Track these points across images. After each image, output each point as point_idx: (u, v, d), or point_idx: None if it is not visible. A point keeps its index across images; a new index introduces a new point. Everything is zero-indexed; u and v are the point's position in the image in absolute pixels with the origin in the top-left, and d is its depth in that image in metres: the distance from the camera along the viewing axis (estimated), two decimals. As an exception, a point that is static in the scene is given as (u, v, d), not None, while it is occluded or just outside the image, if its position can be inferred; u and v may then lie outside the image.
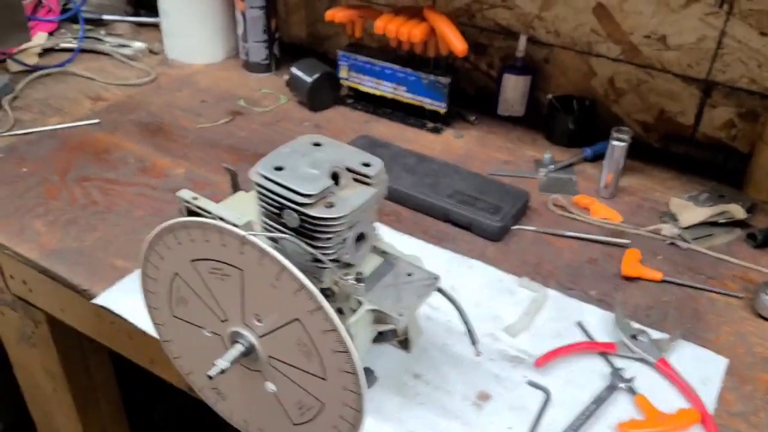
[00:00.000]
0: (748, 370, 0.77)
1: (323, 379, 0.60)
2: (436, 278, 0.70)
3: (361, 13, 1.22)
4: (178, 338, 0.71)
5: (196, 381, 0.74)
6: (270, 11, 1.33)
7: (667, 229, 0.98)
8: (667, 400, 0.72)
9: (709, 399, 0.72)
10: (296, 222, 0.63)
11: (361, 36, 1.25)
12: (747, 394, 0.74)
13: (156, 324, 0.72)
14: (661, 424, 0.68)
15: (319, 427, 0.64)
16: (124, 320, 0.79)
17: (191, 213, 0.70)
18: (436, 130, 1.23)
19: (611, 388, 0.72)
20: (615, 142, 1.04)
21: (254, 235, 0.56)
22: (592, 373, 0.75)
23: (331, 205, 0.63)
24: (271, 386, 0.65)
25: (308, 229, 0.63)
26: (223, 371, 0.62)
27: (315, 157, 0.66)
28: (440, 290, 0.69)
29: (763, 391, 0.75)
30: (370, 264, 0.70)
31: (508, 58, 1.29)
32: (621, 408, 0.71)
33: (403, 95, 1.24)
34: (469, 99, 1.34)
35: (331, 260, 0.64)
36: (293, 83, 1.26)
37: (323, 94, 1.26)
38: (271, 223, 0.66)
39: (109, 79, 1.33)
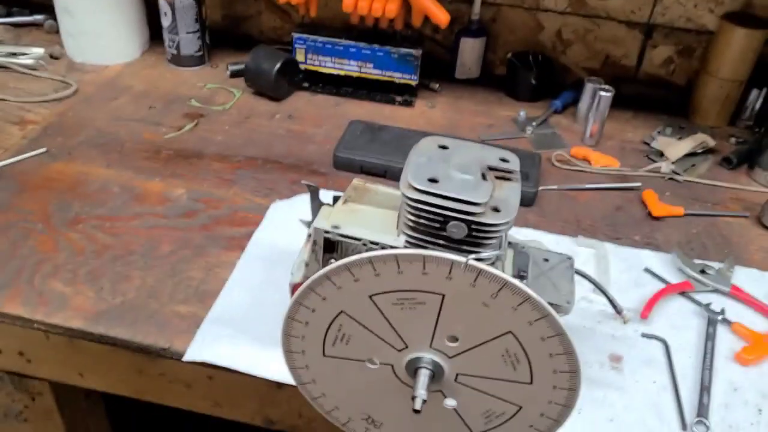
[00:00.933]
0: (788, 279, 0.89)
1: (528, 384, 0.60)
2: (570, 258, 0.71)
3: (317, -10, 1.15)
4: (323, 377, 0.66)
5: (340, 416, 0.69)
6: (201, -3, 1.20)
7: (665, 166, 1.08)
8: (755, 321, 0.81)
9: (783, 312, 0.83)
10: (464, 232, 0.60)
11: (315, 15, 1.18)
12: (801, 300, 0.86)
13: (294, 368, 0.66)
14: (766, 343, 0.77)
15: (507, 431, 0.64)
16: (232, 371, 0.71)
17: (329, 244, 0.63)
18: (406, 103, 1.21)
19: (712, 323, 0.80)
20: (602, 93, 1.10)
21: (476, 260, 0.53)
22: (686, 313, 0.82)
23: (497, 209, 0.61)
24: (450, 402, 0.63)
25: (476, 237, 0.61)
26: (425, 401, 0.59)
27: (456, 162, 0.63)
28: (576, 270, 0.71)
29: (810, 295, 0.87)
30: (508, 258, 0.69)
31: (456, 23, 1.29)
32: (726, 338, 0.79)
33: (371, 72, 1.19)
34: (422, 67, 1.33)
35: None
36: (251, 74, 1.16)
37: (285, 82, 1.18)
38: (424, 237, 0.62)
39: (21, 97, 1.13)
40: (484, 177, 0.63)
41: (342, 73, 1.21)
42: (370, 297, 0.58)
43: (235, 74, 1.23)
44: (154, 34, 1.31)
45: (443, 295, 0.56)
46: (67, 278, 0.80)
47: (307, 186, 0.74)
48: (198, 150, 1.04)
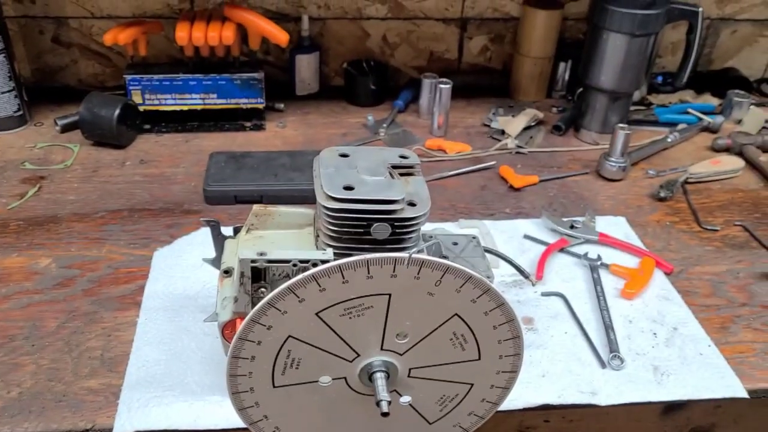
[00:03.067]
0: (635, 216, 1.02)
1: (477, 360, 0.63)
2: (475, 237, 0.76)
3: (144, 28, 1.09)
4: (275, 410, 0.64)
5: (297, 444, 0.67)
6: (11, 52, 1.09)
7: (510, 143, 1.17)
8: (624, 259, 0.92)
9: (642, 245, 0.95)
10: (388, 232, 0.62)
11: (146, 53, 1.12)
12: (652, 233, 0.99)
13: (243, 409, 0.63)
14: (641, 276, 0.88)
15: (459, 414, 0.67)
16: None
17: (256, 272, 0.62)
18: (257, 127, 1.20)
19: (594, 269, 0.89)
20: (442, 86, 1.17)
21: (417, 251, 0.55)
22: (570, 266, 0.91)
23: (412, 204, 0.64)
24: (406, 398, 0.65)
25: (399, 234, 0.63)
26: (390, 402, 0.60)
27: (363, 166, 0.65)
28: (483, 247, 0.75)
29: (657, 226, 1.00)
30: (424, 248, 0.72)
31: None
32: (608, 279, 0.88)
33: (216, 102, 1.17)
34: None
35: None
36: (87, 125, 1.08)
37: (126, 127, 1.11)
38: (349, 245, 0.63)
39: None
40: (391, 176, 0.66)
41: (185, 108, 1.17)
42: (317, 314, 0.58)
43: (66, 128, 1.14)
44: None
45: (389, 295, 0.58)
46: (-57, 384, 0.69)
47: (206, 222, 0.72)
48: (52, 214, 0.95)
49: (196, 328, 0.77)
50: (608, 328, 0.80)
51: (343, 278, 0.56)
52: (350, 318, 0.59)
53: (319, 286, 0.56)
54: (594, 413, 0.74)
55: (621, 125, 1.09)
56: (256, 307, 0.57)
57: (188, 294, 0.83)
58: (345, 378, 0.63)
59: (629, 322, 0.82)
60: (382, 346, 0.61)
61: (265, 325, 0.58)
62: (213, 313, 0.68)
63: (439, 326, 0.60)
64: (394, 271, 0.57)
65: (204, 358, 0.75)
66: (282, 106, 1.27)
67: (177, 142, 1.15)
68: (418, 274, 0.57)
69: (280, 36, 1.09)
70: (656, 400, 0.73)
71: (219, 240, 0.72)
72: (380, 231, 0.62)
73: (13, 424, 0.66)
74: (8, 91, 1.11)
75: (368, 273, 0.56)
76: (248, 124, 1.21)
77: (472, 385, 0.65)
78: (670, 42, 1.41)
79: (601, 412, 0.73)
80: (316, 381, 0.62)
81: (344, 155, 0.67)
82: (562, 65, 1.36)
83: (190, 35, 1.07)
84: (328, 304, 0.58)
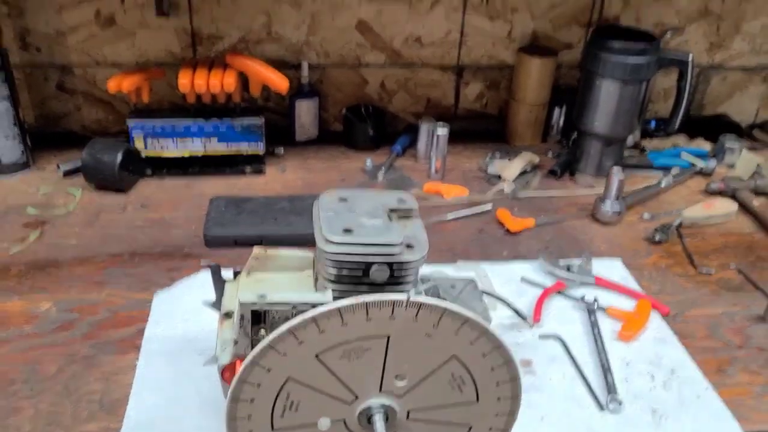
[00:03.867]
0: (631, 259, 1.03)
1: (475, 402, 0.63)
2: (473, 281, 0.76)
3: (147, 75, 1.12)
4: (274, 454, 0.64)
5: (295, 489, 0.67)
6: (16, 98, 1.12)
7: (506, 187, 1.19)
8: (621, 302, 0.93)
9: (639, 288, 0.95)
10: (387, 274, 0.63)
11: (149, 100, 1.15)
12: (648, 275, 1.00)
13: (241, 455, 0.63)
14: (638, 319, 0.88)
15: (459, 453, 0.66)
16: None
17: (256, 315, 0.62)
18: (257, 172, 1.22)
19: (591, 312, 0.89)
20: (439, 131, 1.19)
21: (415, 293, 0.56)
22: (568, 309, 0.92)
23: (410, 246, 0.65)
24: (404, 441, 0.65)
25: (397, 277, 0.64)
26: (388, 445, 0.60)
27: (361, 210, 0.66)
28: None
29: (652, 268, 1.01)
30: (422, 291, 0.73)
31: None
32: (606, 322, 0.89)
33: (217, 147, 1.19)
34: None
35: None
36: (90, 170, 1.10)
37: (128, 172, 1.13)
38: (348, 288, 0.64)
39: None
40: (389, 219, 0.67)
41: (186, 153, 1.19)
42: (317, 356, 0.58)
43: (68, 173, 1.15)
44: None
45: (388, 337, 0.58)
46: (-60, 430, 0.69)
47: (207, 266, 0.72)
48: (53, 258, 0.96)
49: (195, 372, 0.77)
50: (606, 370, 0.80)
51: (342, 320, 0.57)
52: (349, 360, 0.59)
53: (319, 328, 0.57)
54: (594, 457, 0.73)
55: (615, 169, 1.11)
56: (256, 349, 0.57)
57: (188, 337, 0.83)
58: (344, 420, 0.63)
59: (627, 364, 0.82)
60: (380, 388, 0.61)
61: (264, 367, 0.58)
62: (212, 357, 0.68)
63: (438, 368, 0.61)
64: (392, 314, 0.57)
65: (203, 402, 0.75)
66: (282, 151, 1.29)
67: (178, 187, 1.17)
68: (416, 316, 0.58)
69: (280, 83, 1.12)
70: (656, 444, 0.73)
71: (219, 283, 0.73)
72: (379, 273, 0.63)
73: (10, 470, 0.66)
74: (12, 137, 1.14)
75: (367, 315, 0.57)
76: (248, 168, 1.22)
77: (471, 427, 0.65)
78: (662, 88, 1.44)
79: (601, 455, 0.73)
80: (315, 424, 0.62)
81: (343, 199, 0.69)
82: (556, 111, 1.39)
83: (192, 82, 1.09)
84: (328, 346, 0.58)
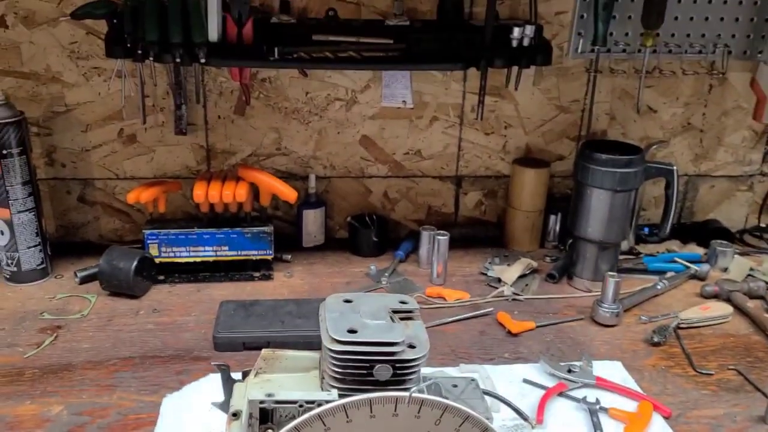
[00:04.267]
0: (631, 360, 1.05)
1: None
2: (474, 380, 0.79)
3: (164, 188, 1.20)
4: None
5: None
6: (40, 210, 1.19)
7: (506, 290, 1.23)
8: (623, 403, 0.94)
9: (640, 389, 0.97)
10: (389, 373, 0.66)
11: (165, 210, 1.22)
12: (648, 377, 1.01)
13: None
14: (640, 420, 0.89)
15: None
16: None
17: (264, 413, 0.65)
18: (265, 277, 1.27)
19: (594, 413, 0.91)
20: (440, 238, 1.25)
21: (417, 390, 0.59)
22: (570, 410, 0.93)
23: (412, 346, 0.68)
24: None
25: (400, 376, 0.67)
26: None
27: (365, 311, 0.70)
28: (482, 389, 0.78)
29: (652, 370, 1.03)
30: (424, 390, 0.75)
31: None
32: (608, 423, 0.90)
33: (227, 254, 1.24)
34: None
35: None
36: (106, 276, 1.15)
37: (141, 278, 1.17)
38: (352, 386, 0.67)
39: None
40: (392, 320, 0.71)
41: (198, 260, 1.24)
42: (323, 454, 0.60)
43: (85, 280, 1.20)
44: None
45: (390, 434, 0.61)
46: None
47: (217, 367, 0.76)
48: (66, 362, 0.99)
49: (202, 474, 0.79)
50: (609, 471, 0.81)
51: (347, 417, 0.60)
52: (354, 457, 0.61)
53: (324, 425, 0.60)
54: None
55: (611, 273, 1.15)
56: (264, 448, 0.60)
57: (195, 440, 0.85)
58: None
59: (630, 465, 0.83)
60: (384, 486, 0.62)
61: (272, 467, 0.60)
62: (221, 457, 0.70)
63: (440, 465, 0.63)
64: (395, 410, 0.60)
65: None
66: (289, 257, 1.34)
67: (189, 292, 1.21)
68: (418, 412, 0.60)
69: (289, 194, 1.19)
70: None
71: (228, 384, 0.76)
72: (382, 372, 0.66)
73: None
74: (34, 246, 1.19)
75: (371, 412, 0.60)
76: (257, 274, 1.27)
77: None
78: (653, 196, 1.51)
79: None
80: None
81: (348, 301, 0.73)
82: (552, 218, 1.45)
83: (207, 193, 1.16)
84: (333, 443, 0.60)
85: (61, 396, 0.92)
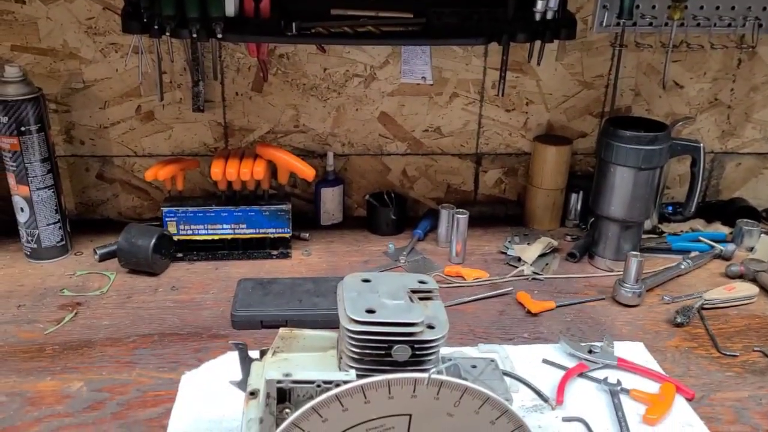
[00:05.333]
0: (653, 342, 1.04)
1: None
2: (493, 360, 0.78)
3: (182, 165, 1.19)
4: None
5: None
6: (59, 187, 1.19)
7: (526, 269, 1.21)
8: (645, 384, 0.93)
9: (662, 370, 0.95)
10: (408, 354, 0.65)
11: (182, 188, 1.22)
12: (671, 358, 1.00)
13: None
14: (663, 402, 0.88)
15: None
16: None
17: (282, 393, 0.64)
18: (283, 255, 1.26)
19: (615, 395, 0.89)
20: (459, 216, 1.23)
21: (436, 372, 0.58)
22: (591, 391, 0.92)
23: (431, 326, 0.67)
24: None
25: (419, 356, 0.66)
26: None
27: (383, 291, 0.69)
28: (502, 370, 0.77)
29: (675, 351, 1.02)
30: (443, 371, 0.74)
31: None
32: (629, 404, 0.89)
33: (245, 232, 1.24)
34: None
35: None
36: (124, 254, 1.15)
37: (160, 256, 1.17)
38: (370, 366, 0.66)
39: None
40: (411, 300, 0.70)
41: (216, 237, 1.24)
42: (340, 435, 0.60)
43: (104, 257, 1.21)
44: (2, 230, 1.26)
45: (410, 415, 0.60)
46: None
47: (234, 345, 0.75)
48: (86, 339, 0.99)
49: (220, 452, 0.79)
50: (630, 454, 0.80)
51: (365, 398, 0.59)
52: (371, 439, 0.60)
53: (342, 405, 0.59)
54: None
55: (633, 253, 1.13)
56: (281, 427, 0.59)
57: (213, 417, 0.85)
58: (364, 502, 0.63)
59: (652, 448, 0.82)
60: (403, 467, 0.62)
61: (290, 447, 0.60)
62: (240, 435, 0.69)
63: (459, 447, 0.62)
64: (414, 392, 0.59)
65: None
66: (307, 235, 1.33)
67: (207, 270, 1.21)
68: (437, 394, 0.59)
69: (307, 171, 1.18)
70: None
71: (246, 362, 0.75)
72: (401, 353, 0.65)
73: None
74: (54, 223, 1.20)
75: (389, 393, 0.59)
76: (275, 252, 1.27)
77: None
78: (678, 174, 1.48)
79: None
80: (337, 505, 0.63)
81: (366, 280, 0.72)
82: (573, 196, 1.42)
83: (224, 171, 1.16)
84: (351, 424, 0.60)
85: (81, 372, 0.92)
